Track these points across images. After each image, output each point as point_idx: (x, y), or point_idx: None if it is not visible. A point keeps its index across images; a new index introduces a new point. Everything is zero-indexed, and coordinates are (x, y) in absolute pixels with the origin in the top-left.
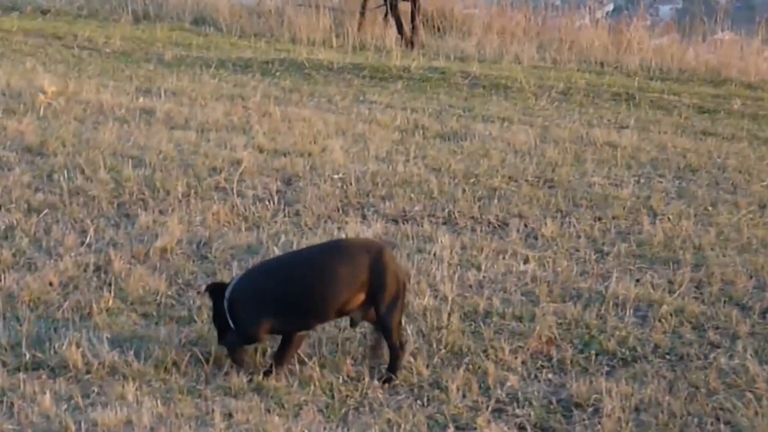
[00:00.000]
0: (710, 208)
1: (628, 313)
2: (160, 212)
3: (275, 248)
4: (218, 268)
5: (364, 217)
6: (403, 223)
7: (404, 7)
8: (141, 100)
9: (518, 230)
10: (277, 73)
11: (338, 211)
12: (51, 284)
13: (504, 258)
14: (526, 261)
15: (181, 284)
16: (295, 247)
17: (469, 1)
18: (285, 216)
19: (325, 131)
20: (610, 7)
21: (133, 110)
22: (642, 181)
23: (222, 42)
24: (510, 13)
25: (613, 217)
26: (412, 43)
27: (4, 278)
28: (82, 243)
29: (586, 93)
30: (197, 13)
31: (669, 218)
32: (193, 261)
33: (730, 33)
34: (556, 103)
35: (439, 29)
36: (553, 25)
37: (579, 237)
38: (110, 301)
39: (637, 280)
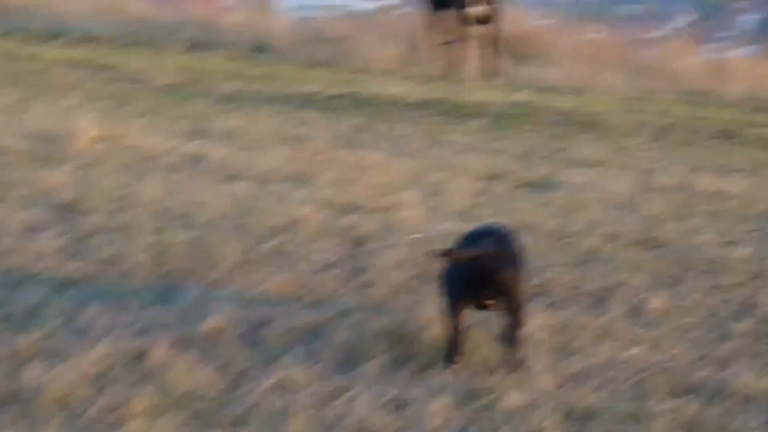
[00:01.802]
0: None
1: (759, 412)
2: (210, 284)
3: (343, 329)
4: (276, 354)
5: None
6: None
7: (478, 32)
8: (192, 144)
9: (622, 303)
10: (345, 109)
11: (417, 279)
12: (82, 377)
13: (607, 339)
14: (633, 342)
15: (234, 376)
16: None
17: (537, 14)
18: (354, 286)
19: (399, 180)
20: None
21: (183, 156)
22: (760, 237)
23: (283, 72)
24: (591, 31)
25: (731, 286)
26: (494, 72)
27: (28, 370)
28: (120, 324)
29: (687, 130)
30: (257, 39)
31: None
32: (248, 346)
33: None
34: (653, 142)
35: (516, 55)
36: (646, 53)
37: (692, 311)
38: (150, 399)
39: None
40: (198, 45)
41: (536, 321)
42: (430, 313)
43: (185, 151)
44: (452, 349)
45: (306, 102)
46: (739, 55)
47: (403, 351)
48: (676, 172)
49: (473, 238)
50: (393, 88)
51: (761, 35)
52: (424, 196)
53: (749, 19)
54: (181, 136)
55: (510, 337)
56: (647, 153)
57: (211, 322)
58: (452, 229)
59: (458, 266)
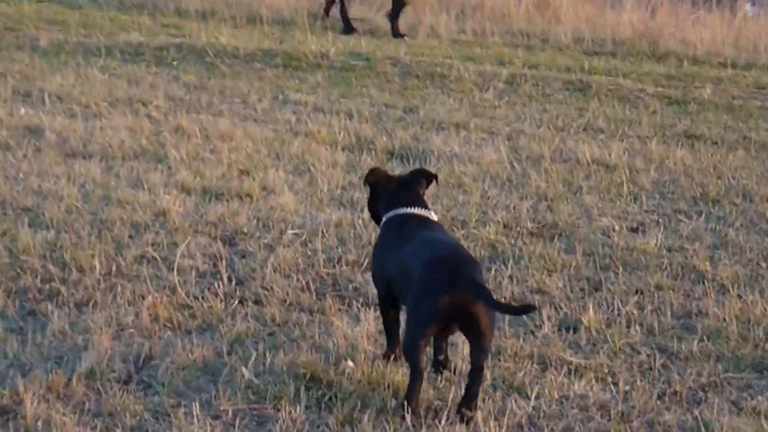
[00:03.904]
0: (764, 265)
1: None
2: (77, 306)
3: (243, 368)
4: (170, 404)
5: (346, 303)
6: None
7: None
8: (23, 112)
9: (550, 319)
10: (175, 63)
11: (309, 293)
12: None
13: (547, 372)
14: (576, 374)
15: None
16: (265, 363)
17: None
18: (242, 305)
19: (256, 155)
20: None
21: (16, 129)
22: (661, 221)
23: (101, 19)
24: None
25: (657, 288)
26: (326, 13)
27: None
28: None
29: (535, 82)
30: None
31: (727, 287)
32: (135, 394)
33: None
34: (504, 97)
35: None
36: None
37: (629, 327)
38: None
39: (734, 404)
40: None
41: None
42: (336, 339)
43: (17, 122)
44: (416, 390)
45: (133, 55)
46: None
47: (320, 394)
48: (543, 136)
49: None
50: (222, 38)
51: None
52: (290, 176)
53: None
54: (8, 100)
55: (473, 374)
56: (504, 111)
57: (87, 363)
58: (332, 219)
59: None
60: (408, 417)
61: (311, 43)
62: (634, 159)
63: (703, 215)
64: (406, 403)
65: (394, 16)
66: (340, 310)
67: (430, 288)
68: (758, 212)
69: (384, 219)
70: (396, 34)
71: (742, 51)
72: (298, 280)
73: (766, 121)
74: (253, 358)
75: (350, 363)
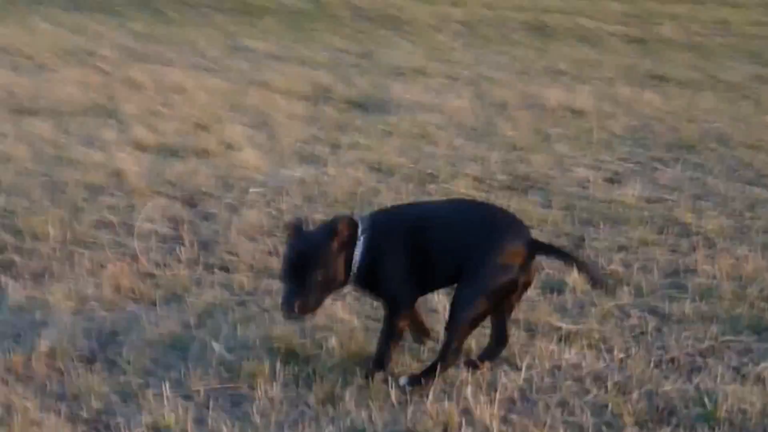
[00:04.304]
0: (749, 215)
1: None
2: (34, 278)
3: (214, 343)
4: (138, 384)
5: None
6: None
7: None
8: None
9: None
10: (121, 9)
11: (277, 257)
12: None
13: (536, 337)
14: (567, 341)
15: (90, 421)
16: (236, 336)
17: None
18: (208, 272)
19: (211, 106)
20: None
21: None
22: (638, 170)
23: None
24: None
25: (642, 243)
26: None
27: None
28: None
29: (490, 23)
30: None
31: (714, 241)
32: (100, 374)
33: None
34: (460, 38)
35: None
36: None
37: (616, 287)
38: None
39: (736, 371)
40: None
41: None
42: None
43: None
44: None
45: (77, 3)
46: None
47: (298, 370)
48: (507, 81)
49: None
50: None
51: None
52: (249, 131)
53: None
54: None
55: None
56: (462, 54)
57: (48, 341)
58: (295, 176)
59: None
60: (393, 393)
61: None
62: (601, 103)
63: (680, 162)
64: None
65: None
66: None
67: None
68: (736, 158)
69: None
70: None
71: None
72: (264, 243)
73: (730, 59)
74: (223, 332)
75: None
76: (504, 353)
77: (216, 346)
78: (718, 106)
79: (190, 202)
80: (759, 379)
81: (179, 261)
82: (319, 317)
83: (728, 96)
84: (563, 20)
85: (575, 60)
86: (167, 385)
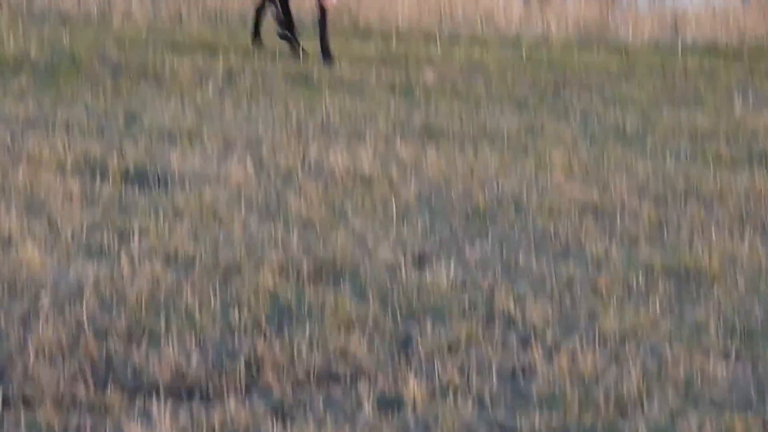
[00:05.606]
0: (568, 299)
1: None
2: None
3: None
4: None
5: (129, 395)
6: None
7: None
8: None
9: (368, 396)
10: None
11: (85, 383)
12: None
13: None
14: None
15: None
16: None
17: None
18: (7, 408)
19: None
20: None
21: None
22: (443, 247)
23: None
24: None
25: (469, 341)
26: None
27: None
28: None
29: (252, 74)
30: None
31: (543, 334)
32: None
33: None
34: (226, 94)
35: None
36: None
37: (456, 396)
38: None
39: None
40: None
41: None
42: None
43: None
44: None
45: None
46: None
47: None
48: (283, 142)
49: None
50: None
51: None
52: (24, 220)
53: None
54: None
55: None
56: (232, 112)
57: None
58: (87, 276)
59: None
60: None
61: (10, 40)
62: (387, 166)
63: (485, 237)
64: None
65: None
66: (128, 404)
67: None
68: (538, 228)
69: None
70: None
71: (445, 23)
72: (67, 365)
73: (498, 108)
74: None
75: None
76: None
77: None
78: (502, 163)
79: None
80: None
81: None
82: None
83: (509, 152)
84: (324, 69)
85: (347, 113)
86: None
